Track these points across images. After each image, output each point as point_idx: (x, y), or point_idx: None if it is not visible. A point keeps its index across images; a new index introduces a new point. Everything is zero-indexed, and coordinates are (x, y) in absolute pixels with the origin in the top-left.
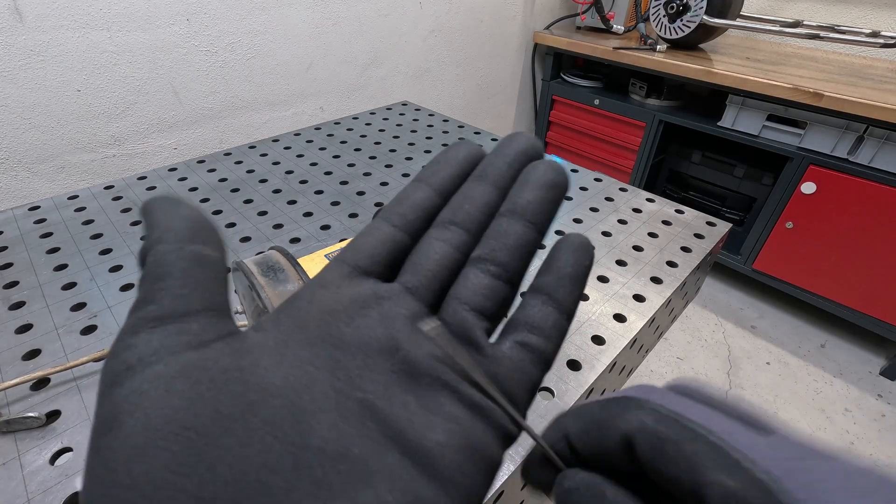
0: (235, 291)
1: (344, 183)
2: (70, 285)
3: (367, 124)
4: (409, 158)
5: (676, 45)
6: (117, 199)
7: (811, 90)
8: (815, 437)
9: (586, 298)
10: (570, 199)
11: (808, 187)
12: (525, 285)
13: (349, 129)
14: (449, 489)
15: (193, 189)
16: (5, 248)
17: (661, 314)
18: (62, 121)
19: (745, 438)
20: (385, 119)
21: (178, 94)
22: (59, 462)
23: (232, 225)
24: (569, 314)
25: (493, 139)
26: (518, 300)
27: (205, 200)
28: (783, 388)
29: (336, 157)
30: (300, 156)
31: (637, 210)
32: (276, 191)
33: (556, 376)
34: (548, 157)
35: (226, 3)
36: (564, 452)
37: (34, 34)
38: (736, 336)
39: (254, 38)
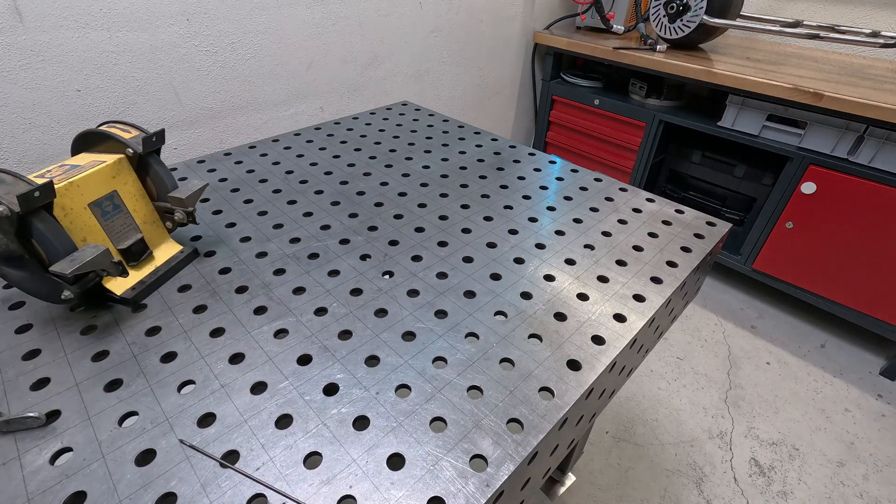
0: None
1: (344, 183)
2: None
3: (367, 124)
4: (408, 158)
5: (676, 45)
6: None
7: (811, 90)
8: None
9: (586, 298)
10: (570, 199)
11: (808, 187)
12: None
13: (349, 129)
14: None
15: None
16: None
17: (661, 314)
18: (62, 121)
19: None
20: (385, 119)
21: (178, 94)
22: (59, 462)
23: (232, 225)
24: None
25: (493, 139)
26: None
27: (205, 200)
28: (783, 388)
29: (336, 157)
30: (300, 156)
31: (637, 210)
32: (276, 191)
33: (556, 376)
34: (548, 157)
35: (226, 3)
36: None
37: (34, 34)
38: (736, 336)
39: (254, 38)
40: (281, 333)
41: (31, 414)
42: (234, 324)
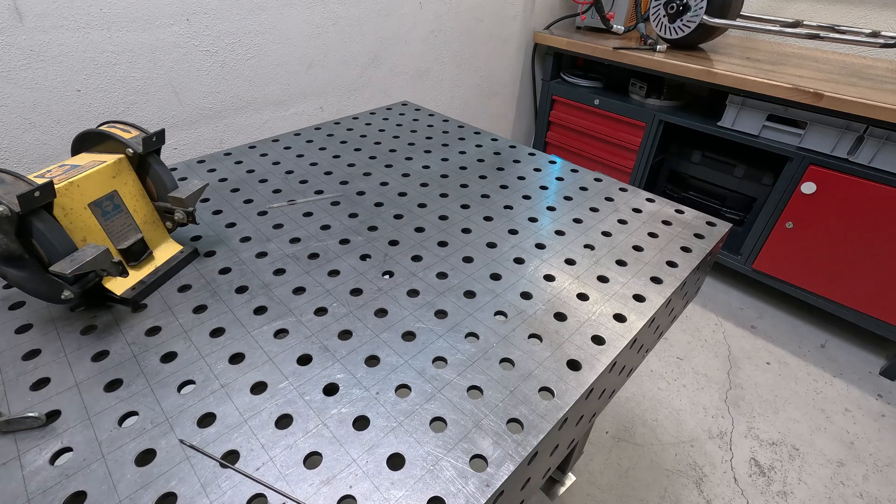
0: None
1: (344, 183)
2: None
3: (367, 124)
4: (408, 158)
5: (676, 45)
6: None
7: (811, 90)
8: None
9: (586, 298)
10: (570, 199)
11: (808, 187)
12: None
13: (349, 129)
14: None
15: None
16: None
17: (661, 314)
18: (62, 121)
19: None
20: (385, 119)
21: (178, 94)
22: (59, 462)
23: (232, 225)
24: None
25: (493, 139)
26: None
27: (205, 200)
28: (783, 388)
29: (336, 157)
30: (300, 156)
31: (637, 210)
32: (276, 191)
33: (556, 376)
34: (548, 156)
35: (226, 3)
36: None
37: (34, 34)
38: (736, 336)
39: (254, 38)
40: (281, 333)
41: (31, 414)
42: (234, 324)
